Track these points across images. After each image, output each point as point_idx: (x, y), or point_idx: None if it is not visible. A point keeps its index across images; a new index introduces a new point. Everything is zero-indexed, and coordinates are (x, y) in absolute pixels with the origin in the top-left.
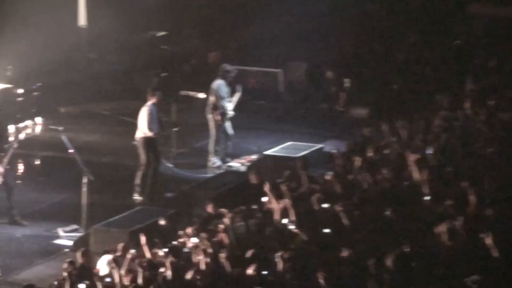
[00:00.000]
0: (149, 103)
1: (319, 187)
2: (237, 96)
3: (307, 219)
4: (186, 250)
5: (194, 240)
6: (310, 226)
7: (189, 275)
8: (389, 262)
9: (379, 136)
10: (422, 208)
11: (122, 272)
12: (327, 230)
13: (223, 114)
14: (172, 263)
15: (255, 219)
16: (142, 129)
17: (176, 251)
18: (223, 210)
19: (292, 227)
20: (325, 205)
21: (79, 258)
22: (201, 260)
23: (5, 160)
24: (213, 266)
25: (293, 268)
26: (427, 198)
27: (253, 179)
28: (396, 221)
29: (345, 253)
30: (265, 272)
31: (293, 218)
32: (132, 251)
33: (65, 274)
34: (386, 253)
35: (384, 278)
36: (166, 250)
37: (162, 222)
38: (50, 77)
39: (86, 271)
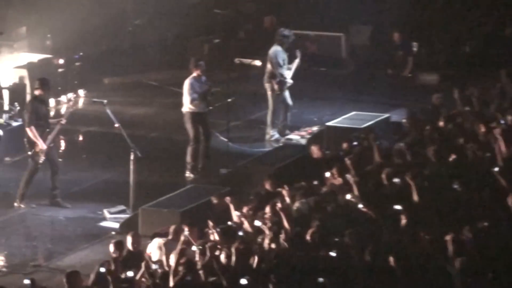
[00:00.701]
0: (192, 75)
1: (387, 160)
2: (296, 63)
3: (375, 195)
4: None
5: (257, 223)
6: (378, 202)
7: (252, 260)
8: (467, 235)
9: (450, 104)
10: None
11: (174, 257)
12: (397, 207)
13: (281, 82)
14: (237, 249)
15: (317, 196)
16: (186, 104)
17: (231, 232)
18: (282, 187)
19: (359, 204)
20: (396, 180)
21: (127, 242)
22: (264, 242)
23: (50, 137)
24: (276, 249)
25: (360, 249)
26: (496, 169)
27: (314, 152)
28: (467, 195)
29: (419, 232)
30: (332, 254)
31: (357, 194)
32: (186, 233)
33: (113, 257)
34: (461, 228)
35: (463, 255)
36: (219, 231)
37: (215, 201)
38: (93, 46)
39: (135, 256)
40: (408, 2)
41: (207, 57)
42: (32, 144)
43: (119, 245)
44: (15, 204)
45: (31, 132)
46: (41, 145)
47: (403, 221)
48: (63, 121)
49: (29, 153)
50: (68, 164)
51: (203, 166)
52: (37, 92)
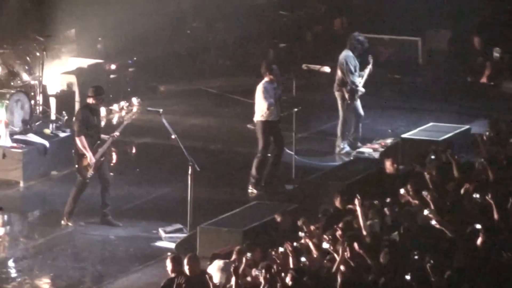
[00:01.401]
0: (264, 80)
1: (468, 176)
2: (368, 70)
3: (453, 214)
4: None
5: (325, 245)
6: (457, 221)
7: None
8: None
9: None
10: None
11: (235, 280)
12: (478, 226)
13: (353, 91)
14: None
15: (391, 214)
16: (260, 111)
17: (298, 254)
18: (353, 204)
19: (434, 223)
20: (476, 196)
21: (184, 264)
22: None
23: (101, 150)
24: (346, 272)
25: (438, 271)
26: None
27: (388, 167)
28: None
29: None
30: (407, 277)
31: (434, 212)
32: (248, 254)
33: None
34: None
35: None
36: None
37: (279, 219)
38: (148, 50)
39: (195, 279)
40: (490, 5)
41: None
42: (81, 156)
43: (178, 261)
44: (63, 222)
45: (81, 143)
46: (91, 157)
47: (480, 240)
48: (117, 135)
49: (77, 166)
50: (120, 178)
51: (267, 181)
52: (89, 101)
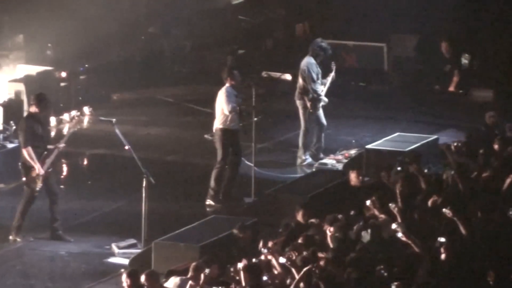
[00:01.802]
0: (226, 85)
1: (435, 188)
2: (331, 77)
3: (420, 227)
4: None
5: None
6: (424, 235)
7: None
8: None
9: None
10: None
11: None
12: (442, 239)
13: (315, 100)
14: None
15: (356, 228)
16: (221, 118)
17: (256, 270)
18: (315, 219)
19: (401, 235)
20: (445, 211)
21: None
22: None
23: (48, 160)
24: None
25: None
26: None
27: (353, 179)
28: None
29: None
30: None
31: (401, 226)
32: (207, 271)
33: None
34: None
35: None
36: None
37: (238, 233)
38: (100, 57)
39: None
40: (459, 9)
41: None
42: (28, 168)
43: (135, 276)
44: (10, 237)
45: (28, 154)
46: (38, 169)
47: (443, 255)
48: (61, 146)
49: (24, 179)
50: (70, 192)
51: (225, 194)
52: (32, 109)
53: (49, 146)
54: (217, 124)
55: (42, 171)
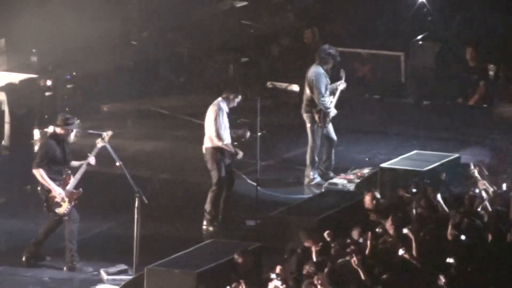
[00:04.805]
0: (219, 100)
1: (454, 212)
2: (340, 86)
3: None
4: None
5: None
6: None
7: None
8: None
9: None
10: None
11: None
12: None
13: (324, 113)
14: None
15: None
16: (210, 136)
17: None
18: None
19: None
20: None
21: None
22: None
23: (73, 180)
24: None
25: None
26: None
27: (367, 202)
28: None
29: None
30: None
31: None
32: None
33: None
34: None
35: None
36: None
37: (239, 259)
38: (89, 64)
39: None
40: (485, 15)
41: (232, 80)
42: (48, 191)
43: None
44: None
45: (39, 176)
46: (53, 190)
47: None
48: (91, 160)
49: (45, 204)
50: None
51: (224, 216)
52: (57, 130)
53: (75, 163)
54: (207, 142)
55: (62, 193)
